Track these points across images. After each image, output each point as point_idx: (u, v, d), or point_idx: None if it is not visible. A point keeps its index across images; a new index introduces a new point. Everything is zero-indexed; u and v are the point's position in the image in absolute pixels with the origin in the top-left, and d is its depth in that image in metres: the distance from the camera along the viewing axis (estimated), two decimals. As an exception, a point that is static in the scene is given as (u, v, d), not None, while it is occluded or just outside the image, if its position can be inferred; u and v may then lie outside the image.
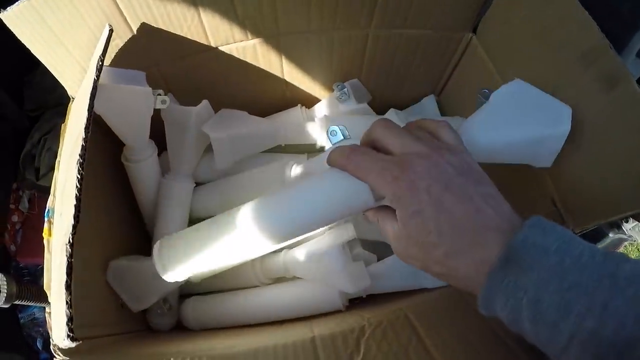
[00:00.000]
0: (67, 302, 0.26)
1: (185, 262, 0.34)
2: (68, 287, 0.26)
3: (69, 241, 0.27)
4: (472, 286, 0.25)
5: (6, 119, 0.60)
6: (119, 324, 0.40)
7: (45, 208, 0.56)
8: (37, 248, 0.59)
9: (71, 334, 0.25)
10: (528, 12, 0.38)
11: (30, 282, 0.59)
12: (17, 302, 0.44)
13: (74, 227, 0.27)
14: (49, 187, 0.56)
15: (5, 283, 0.42)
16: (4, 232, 0.58)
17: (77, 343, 0.26)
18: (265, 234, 0.30)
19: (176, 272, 0.35)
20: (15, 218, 0.60)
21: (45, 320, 0.56)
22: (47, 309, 0.35)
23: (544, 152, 0.33)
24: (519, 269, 0.22)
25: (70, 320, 0.25)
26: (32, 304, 0.45)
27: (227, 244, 0.33)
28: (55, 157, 0.55)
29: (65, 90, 0.61)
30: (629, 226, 0.51)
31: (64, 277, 0.26)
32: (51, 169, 0.55)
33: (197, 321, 0.43)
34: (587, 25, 0.31)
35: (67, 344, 0.25)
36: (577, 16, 0.32)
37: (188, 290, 0.46)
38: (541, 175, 0.38)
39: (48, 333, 0.57)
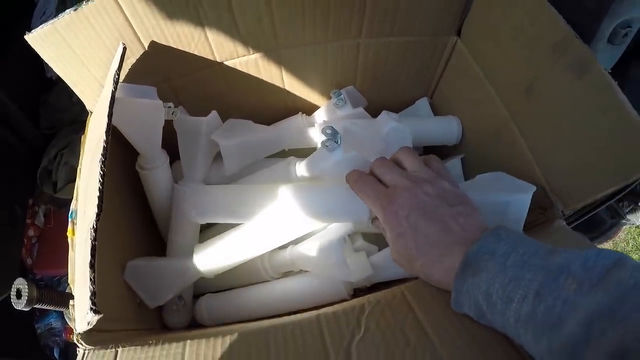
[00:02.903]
0: (91, 279, 0.28)
1: (213, 206, 0.44)
2: (92, 265, 0.28)
3: (94, 226, 0.30)
4: (446, 289, 0.31)
5: (22, 139, 0.63)
6: (137, 322, 0.42)
7: (62, 220, 0.59)
8: (53, 261, 0.61)
9: (94, 307, 0.27)
10: (502, 13, 0.41)
11: (48, 290, 0.61)
12: (37, 306, 0.46)
13: (98, 215, 0.30)
14: (66, 200, 0.60)
15: (26, 287, 0.44)
16: (21, 247, 0.61)
17: (99, 316, 0.28)
18: (286, 209, 0.40)
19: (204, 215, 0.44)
20: (31, 232, 0.63)
21: (62, 330, 0.59)
22: (70, 303, 0.37)
23: (512, 217, 0.38)
24: (475, 272, 0.28)
25: (93, 294, 0.28)
26: (51, 308, 0.47)
27: (252, 204, 0.42)
28: (72, 171, 0.59)
29: (79, 109, 0.65)
30: (626, 210, 0.52)
31: (89, 258, 0.29)
32: (68, 182, 0.58)
33: (210, 317, 0.45)
34: (555, 19, 0.35)
35: (89, 318, 0.28)
36: (546, 12, 0.35)
37: (201, 289, 0.48)
38: (530, 164, 0.41)
39: (65, 342, 0.59)
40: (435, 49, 0.50)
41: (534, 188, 0.38)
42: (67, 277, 0.61)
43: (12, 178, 0.62)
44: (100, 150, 0.33)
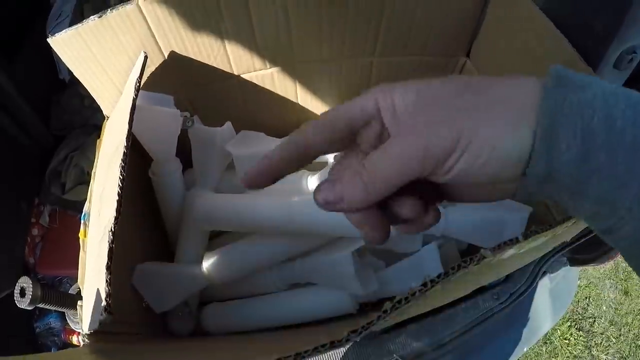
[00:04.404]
0: (106, 281, 0.29)
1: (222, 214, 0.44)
2: (108, 267, 0.29)
3: (112, 229, 0.30)
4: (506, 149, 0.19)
5: (32, 137, 0.64)
6: (142, 326, 0.42)
7: (67, 221, 0.59)
8: (56, 261, 0.61)
9: (109, 308, 0.28)
10: (510, 35, 0.42)
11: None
12: (41, 306, 0.46)
13: (117, 218, 0.31)
14: (73, 201, 0.60)
15: (30, 286, 0.44)
16: (25, 245, 0.61)
17: (112, 317, 0.28)
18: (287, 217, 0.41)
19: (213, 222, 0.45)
20: (35, 231, 0.63)
21: (61, 330, 0.58)
22: (79, 303, 0.38)
23: (509, 236, 0.38)
24: (576, 88, 0.18)
25: (108, 296, 0.28)
26: (54, 308, 0.47)
27: (260, 214, 0.42)
28: (82, 173, 0.60)
29: (90, 112, 0.66)
30: None
31: (105, 260, 0.29)
32: (77, 184, 0.59)
33: (216, 325, 0.46)
34: (560, 41, 0.36)
35: (103, 318, 0.28)
36: (552, 35, 0.36)
37: (207, 297, 0.49)
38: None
39: (63, 342, 0.59)
40: (446, 68, 0.52)
41: (531, 209, 0.40)
42: (68, 278, 0.61)
43: (20, 176, 0.62)
44: (120, 156, 0.34)
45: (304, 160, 0.24)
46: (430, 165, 0.20)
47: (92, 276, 0.34)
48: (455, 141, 0.19)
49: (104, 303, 0.28)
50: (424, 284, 0.22)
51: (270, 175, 0.24)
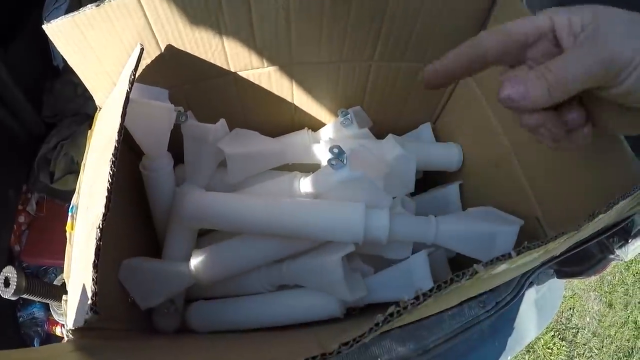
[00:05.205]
0: (93, 279, 0.28)
1: (211, 212, 0.43)
2: (95, 266, 0.28)
3: (99, 226, 0.30)
4: None
5: (22, 123, 0.63)
6: (127, 321, 0.42)
7: (54, 210, 0.58)
8: (42, 249, 0.60)
9: (94, 307, 0.27)
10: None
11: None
12: (25, 296, 0.45)
13: (105, 215, 0.30)
14: (61, 191, 0.59)
15: (15, 276, 0.44)
16: (11, 232, 0.60)
17: (98, 315, 0.28)
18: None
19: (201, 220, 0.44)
20: (22, 219, 0.62)
21: (44, 321, 0.58)
22: (63, 298, 0.37)
23: (500, 248, 0.39)
24: None
25: (94, 295, 0.28)
26: (39, 299, 0.46)
27: (249, 215, 0.42)
28: (72, 162, 0.59)
29: (83, 101, 0.65)
30: (616, 246, 0.53)
31: (92, 258, 0.29)
32: (66, 173, 0.58)
33: (201, 324, 0.45)
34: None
35: (88, 317, 0.28)
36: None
37: (194, 295, 0.48)
38: (527, 194, 0.43)
39: (46, 333, 0.58)
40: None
41: (522, 222, 0.40)
42: (54, 268, 0.60)
43: (8, 161, 0.61)
44: (111, 150, 0.34)
45: (477, 65, 0.27)
46: (611, 73, 0.22)
47: (78, 272, 0.33)
48: (632, 56, 0.22)
49: (89, 302, 0.28)
50: (416, 297, 0.22)
51: (445, 75, 0.28)
